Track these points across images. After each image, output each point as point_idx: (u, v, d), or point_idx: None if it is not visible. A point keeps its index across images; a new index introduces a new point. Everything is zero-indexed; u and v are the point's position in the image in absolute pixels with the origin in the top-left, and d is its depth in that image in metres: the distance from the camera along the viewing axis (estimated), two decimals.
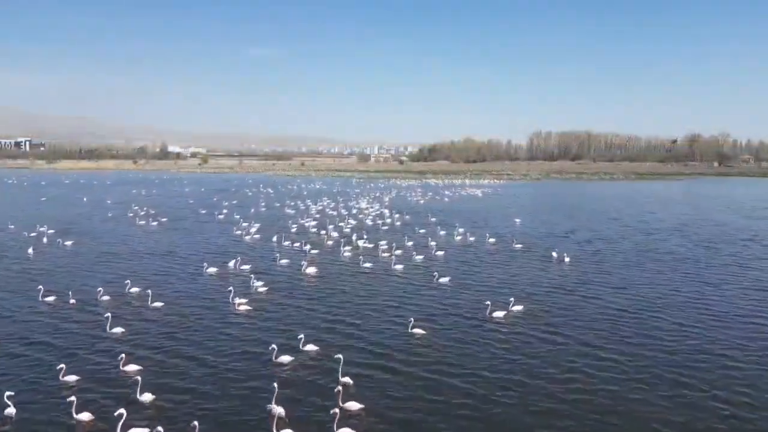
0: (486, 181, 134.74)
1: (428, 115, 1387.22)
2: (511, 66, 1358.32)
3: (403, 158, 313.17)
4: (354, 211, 62.64)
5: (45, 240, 41.73)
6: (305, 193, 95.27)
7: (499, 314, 23.17)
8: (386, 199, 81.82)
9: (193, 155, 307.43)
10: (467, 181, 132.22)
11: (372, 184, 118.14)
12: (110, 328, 21.00)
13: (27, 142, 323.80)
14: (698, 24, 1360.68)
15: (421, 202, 77.79)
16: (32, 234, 43.63)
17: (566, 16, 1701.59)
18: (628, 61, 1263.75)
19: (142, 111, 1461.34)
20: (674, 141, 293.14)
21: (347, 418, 14.16)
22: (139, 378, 15.71)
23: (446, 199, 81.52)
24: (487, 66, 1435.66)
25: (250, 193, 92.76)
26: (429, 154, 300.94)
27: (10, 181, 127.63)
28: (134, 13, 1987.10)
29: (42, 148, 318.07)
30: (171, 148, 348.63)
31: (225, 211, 63.09)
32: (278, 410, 14.35)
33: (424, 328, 21.31)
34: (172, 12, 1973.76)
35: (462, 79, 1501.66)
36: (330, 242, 41.43)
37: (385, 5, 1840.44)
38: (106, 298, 25.52)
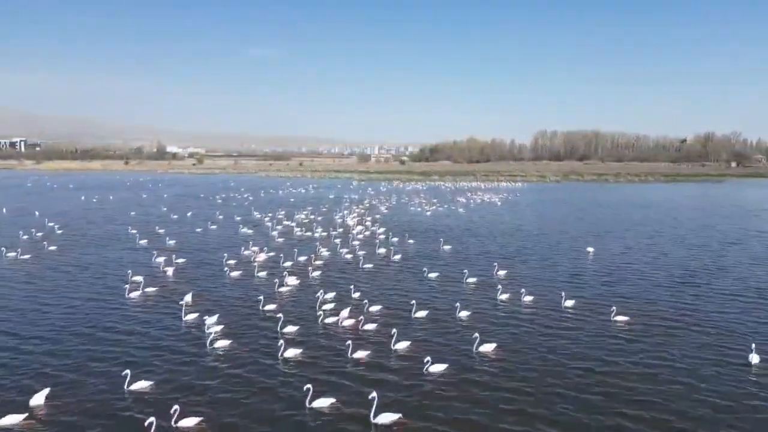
0: (504, 184, 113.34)
1: (429, 115, 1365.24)
2: (512, 66, 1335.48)
3: (404, 158, 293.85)
4: (334, 233, 42.39)
5: None
6: (292, 200, 75.94)
7: None
8: (383, 208, 62.40)
9: (191, 155, 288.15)
10: (481, 184, 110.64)
11: (371, 189, 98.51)
12: None
13: (22, 142, 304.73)
14: (698, 24, 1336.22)
15: (428, 213, 58.32)
16: None
17: (566, 16, 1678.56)
18: (629, 61, 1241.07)
19: (143, 111, 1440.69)
20: (683, 140, 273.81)
21: None
22: None
23: (460, 210, 61.82)
24: (487, 65, 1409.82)
25: (219, 200, 73.39)
26: (431, 154, 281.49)
27: None
28: (134, 13, 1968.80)
29: (38, 149, 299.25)
30: (170, 148, 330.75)
31: (161, 230, 43.74)
32: None
33: None
34: (173, 12, 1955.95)
35: (463, 79, 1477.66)
36: (270, 307, 21.92)
37: (386, 5, 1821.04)
38: None
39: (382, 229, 43.80)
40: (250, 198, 77.78)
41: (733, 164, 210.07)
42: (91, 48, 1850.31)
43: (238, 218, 51.91)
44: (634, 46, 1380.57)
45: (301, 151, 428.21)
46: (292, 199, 76.44)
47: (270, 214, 54.30)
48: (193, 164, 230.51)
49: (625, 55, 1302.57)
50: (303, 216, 52.95)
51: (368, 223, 48.15)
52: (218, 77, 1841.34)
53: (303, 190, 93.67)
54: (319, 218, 51.83)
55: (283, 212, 56.26)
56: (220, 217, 53.05)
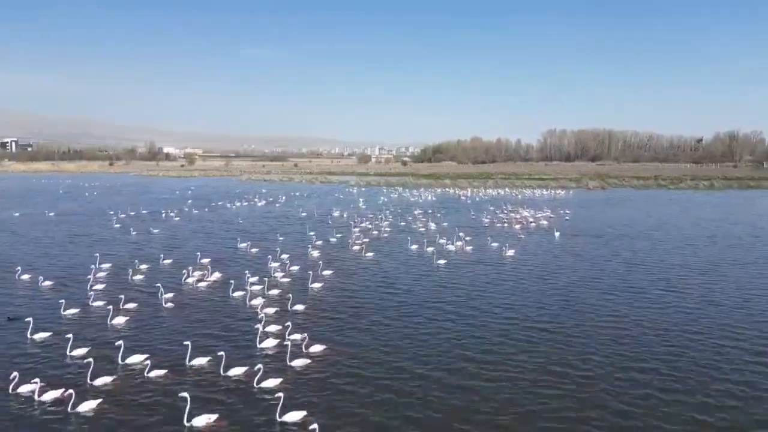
0: (538, 192, 78.37)
1: (429, 116, 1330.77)
2: (512, 65, 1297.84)
3: (406, 159, 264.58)
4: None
5: None
6: (240, 221, 47.40)
7: None
8: (358, 247, 32.78)
9: (186, 156, 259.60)
10: (513, 193, 76.99)
11: (363, 202, 69.52)
12: None
13: (13, 143, 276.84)
14: (698, 24, 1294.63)
15: (440, 263, 28.87)
16: None
17: (564, 16, 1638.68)
18: (629, 61, 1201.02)
19: (145, 112, 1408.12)
20: (699, 140, 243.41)
21: None
22: None
23: (509, 252, 31.65)
24: (487, 65, 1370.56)
25: (117, 225, 44.39)
26: (433, 154, 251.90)
27: None
28: (136, 13, 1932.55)
29: (29, 149, 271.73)
30: (167, 149, 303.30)
31: None
32: None
33: None
34: (174, 12, 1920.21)
35: (463, 79, 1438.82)
36: None
37: (388, 6, 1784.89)
38: None
39: (316, 378, 14.69)
40: (176, 218, 48.94)
41: (765, 165, 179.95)
42: (92, 48, 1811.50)
43: (48, 283, 22.91)
44: (631, 45, 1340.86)
45: (302, 151, 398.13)
46: (240, 221, 47.60)
47: (129, 273, 25.49)
48: (182, 165, 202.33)
49: (624, 54, 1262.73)
50: (192, 279, 24.00)
51: (292, 325, 18.35)
52: (220, 78, 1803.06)
53: (264, 203, 64.23)
54: (206, 287, 22.85)
55: (167, 261, 27.43)
56: (25, 277, 24.24)
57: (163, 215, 50.66)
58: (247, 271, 24.31)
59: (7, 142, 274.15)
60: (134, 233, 39.33)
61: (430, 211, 53.94)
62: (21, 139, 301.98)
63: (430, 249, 32.31)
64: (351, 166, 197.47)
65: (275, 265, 26.88)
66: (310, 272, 24.31)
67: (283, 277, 24.83)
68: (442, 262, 29.00)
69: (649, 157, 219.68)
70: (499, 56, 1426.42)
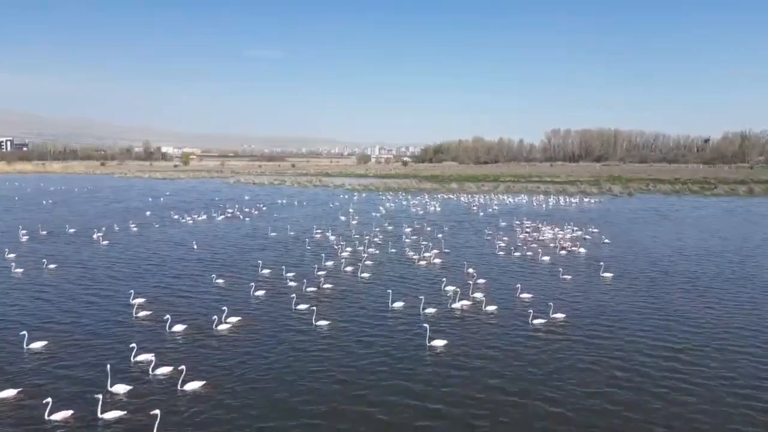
0: (563, 200, 61.83)
1: (429, 116, 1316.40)
2: (511, 65, 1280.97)
3: (407, 159, 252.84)
4: None
5: None
6: (194, 245, 35.58)
7: None
8: (308, 306, 21.50)
9: (181, 156, 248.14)
10: (534, 200, 60.63)
11: (353, 214, 57.91)
12: None
13: (8, 142, 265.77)
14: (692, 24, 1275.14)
15: (437, 344, 17.56)
16: None
17: (560, 16, 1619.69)
18: (628, 62, 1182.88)
19: (145, 112, 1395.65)
20: (706, 140, 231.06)
21: None
22: None
23: (551, 315, 19.84)
24: (486, 66, 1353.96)
25: (11, 254, 32.34)
26: (434, 154, 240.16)
27: None
28: (136, 13, 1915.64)
29: (24, 149, 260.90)
30: (165, 149, 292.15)
31: None
32: None
33: None
34: (174, 12, 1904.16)
35: (463, 80, 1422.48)
36: None
37: (389, 4, 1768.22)
38: None
39: None
40: (105, 242, 37.02)
41: None
42: (92, 49, 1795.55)
43: None
44: (631, 45, 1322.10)
45: (301, 151, 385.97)
46: (195, 245, 35.76)
47: None
48: (175, 166, 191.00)
49: (624, 54, 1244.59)
50: None
51: None
52: (220, 78, 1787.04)
53: (224, 217, 52.13)
54: None
55: None
56: None
57: (95, 236, 38.73)
58: (48, 400, 12.16)
59: (2, 142, 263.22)
60: (18, 270, 27.47)
61: (428, 229, 41.97)
62: (18, 139, 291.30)
63: (425, 311, 20.36)
64: (350, 167, 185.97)
65: (140, 359, 15.12)
66: (157, 414, 11.85)
67: (118, 404, 12.69)
68: (439, 344, 17.08)
69: (656, 157, 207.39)
70: (500, 56, 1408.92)
